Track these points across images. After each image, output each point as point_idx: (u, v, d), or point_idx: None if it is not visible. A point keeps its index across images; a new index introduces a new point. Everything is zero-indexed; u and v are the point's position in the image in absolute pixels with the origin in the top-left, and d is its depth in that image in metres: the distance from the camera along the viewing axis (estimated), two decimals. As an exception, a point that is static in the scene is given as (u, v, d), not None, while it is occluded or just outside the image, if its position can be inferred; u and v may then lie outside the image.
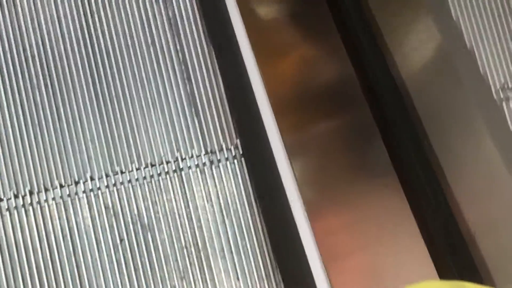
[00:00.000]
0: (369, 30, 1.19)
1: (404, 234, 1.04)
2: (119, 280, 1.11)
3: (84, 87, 1.23)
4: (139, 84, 1.24)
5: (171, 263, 1.13)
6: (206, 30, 1.28)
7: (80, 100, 1.22)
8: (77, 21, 1.28)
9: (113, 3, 1.29)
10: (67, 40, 1.26)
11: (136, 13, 1.29)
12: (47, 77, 1.23)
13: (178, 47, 1.27)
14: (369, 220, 1.06)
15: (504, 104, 1.21)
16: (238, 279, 1.12)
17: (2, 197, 1.15)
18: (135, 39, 1.27)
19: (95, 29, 1.28)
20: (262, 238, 1.14)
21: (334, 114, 1.14)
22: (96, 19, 1.28)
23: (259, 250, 1.14)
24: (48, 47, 1.26)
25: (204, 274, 1.12)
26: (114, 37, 1.27)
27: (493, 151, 1.09)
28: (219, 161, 1.18)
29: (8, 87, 1.23)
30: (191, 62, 1.26)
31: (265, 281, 1.12)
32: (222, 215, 1.16)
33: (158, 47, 1.27)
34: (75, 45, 1.26)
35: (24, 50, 1.25)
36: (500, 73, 1.25)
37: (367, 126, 1.11)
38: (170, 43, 1.27)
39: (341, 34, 1.17)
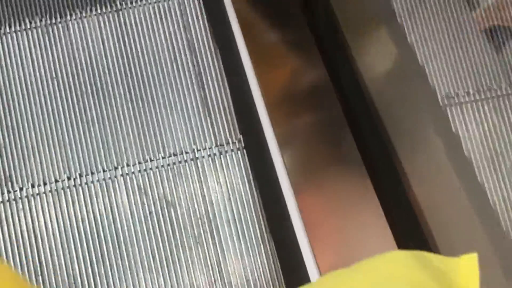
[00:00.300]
0: (341, 47, 1.22)
1: (368, 211, 1.04)
2: (148, 244, 1.18)
3: (122, 93, 1.30)
4: (164, 91, 1.30)
5: (189, 230, 1.18)
6: (217, 49, 1.34)
7: (119, 104, 1.29)
8: (116, 42, 1.35)
9: (145, 28, 1.36)
10: (109, 57, 1.33)
11: (162, 36, 1.35)
12: (93, 85, 1.31)
13: (195, 62, 1.33)
14: (340, 199, 1.06)
15: (447, 109, 1.26)
16: (240, 242, 1.18)
17: (58, 179, 1.22)
18: (161, 56, 1.33)
19: (131, 49, 1.35)
20: (259, 211, 1.20)
21: (313, 113, 1.14)
22: (132, 40, 1.35)
23: (256, 220, 1.19)
24: (94, 62, 1.32)
25: (214, 239, 1.18)
26: (145, 54, 1.33)
27: (439, 145, 1.14)
28: (226, 152, 1.24)
29: (63, 94, 1.30)
30: (204, 74, 1.32)
31: (261, 244, 1.19)
32: (229, 193, 1.21)
33: (179, 63, 1.33)
34: (115, 61, 1.33)
35: (75, 65, 1.32)
36: (446, 84, 1.30)
37: (339, 123, 1.11)
38: (188, 60, 1.33)
39: (319, 50, 1.19)
